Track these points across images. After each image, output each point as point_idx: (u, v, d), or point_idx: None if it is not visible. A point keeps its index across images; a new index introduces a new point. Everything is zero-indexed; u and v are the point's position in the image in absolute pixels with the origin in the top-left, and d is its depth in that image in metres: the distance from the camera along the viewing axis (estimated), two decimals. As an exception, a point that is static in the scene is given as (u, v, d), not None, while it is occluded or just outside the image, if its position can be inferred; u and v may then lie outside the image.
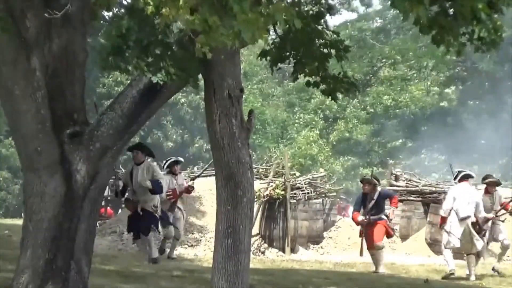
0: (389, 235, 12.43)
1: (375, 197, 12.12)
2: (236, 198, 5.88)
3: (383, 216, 12.17)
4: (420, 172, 23.73)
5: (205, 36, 4.22)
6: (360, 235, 12.29)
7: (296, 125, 40.43)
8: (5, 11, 5.17)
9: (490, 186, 12.12)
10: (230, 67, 5.84)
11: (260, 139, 39.18)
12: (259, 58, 6.10)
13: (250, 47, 30.73)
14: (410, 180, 19.34)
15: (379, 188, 12.41)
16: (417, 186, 18.84)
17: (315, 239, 17.67)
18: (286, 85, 44.19)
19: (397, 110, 37.25)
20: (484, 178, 12.50)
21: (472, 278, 11.36)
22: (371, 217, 12.01)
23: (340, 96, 6.24)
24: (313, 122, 38.92)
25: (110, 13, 6.17)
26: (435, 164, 36.37)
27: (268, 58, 6.02)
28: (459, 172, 12.08)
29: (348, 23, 38.23)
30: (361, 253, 12.36)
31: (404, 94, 37.07)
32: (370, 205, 12.12)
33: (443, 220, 11.63)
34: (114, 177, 12.53)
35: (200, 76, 5.87)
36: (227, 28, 4.15)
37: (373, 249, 12.03)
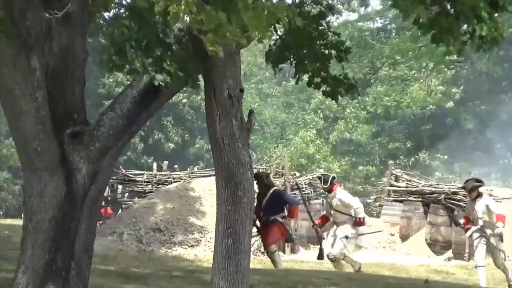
0: (286, 240, 11.83)
1: (267, 197, 11.37)
2: (236, 198, 5.88)
3: (279, 219, 11.32)
4: (420, 172, 23.75)
5: (213, 34, 4.21)
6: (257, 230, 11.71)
7: (295, 125, 40.47)
8: (5, 12, 5.16)
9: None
10: (230, 68, 5.83)
11: (259, 139, 39.21)
12: (262, 60, 6.10)
13: (249, 47, 30.73)
14: (410, 181, 19.39)
15: (273, 189, 11.55)
16: (417, 187, 18.87)
17: (315, 239, 17.67)
18: (285, 85, 44.22)
19: (398, 111, 37.26)
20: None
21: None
22: (263, 217, 11.31)
23: (340, 97, 6.22)
24: (313, 122, 38.94)
25: (111, 13, 6.15)
26: (436, 164, 36.38)
27: (270, 59, 6.01)
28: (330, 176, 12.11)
29: (348, 23, 38.22)
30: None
31: (405, 95, 37.10)
32: (262, 204, 11.37)
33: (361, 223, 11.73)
34: (114, 177, 12.44)
35: (200, 76, 5.87)
36: (233, 25, 4.14)
37: (268, 250, 11.48)
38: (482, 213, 11.33)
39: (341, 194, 11.75)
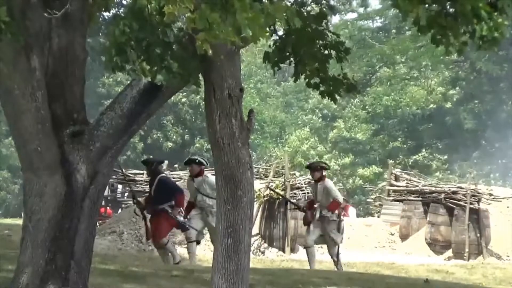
0: (179, 229, 11.52)
1: (154, 185, 11.03)
2: (236, 198, 5.88)
3: (167, 208, 10.88)
4: (420, 172, 23.76)
5: (205, 34, 4.21)
6: (143, 219, 11.36)
7: (294, 125, 40.53)
8: (6, 13, 5.16)
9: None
10: (230, 67, 5.82)
11: (258, 139, 39.25)
12: (261, 59, 6.08)
13: (249, 47, 30.74)
14: (410, 180, 19.39)
15: (159, 176, 11.12)
16: (417, 186, 18.87)
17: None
18: (285, 85, 44.26)
19: (398, 110, 37.28)
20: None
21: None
22: (150, 207, 10.98)
23: (338, 97, 6.19)
24: (311, 122, 38.99)
25: (111, 13, 6.15)
26: (435, 164, 36.39)
27: (269, 59, 6.00)
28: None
29: (348, 23, 38.23)
30: (147, 237, 11.67)
31: (404, 95, 37.12)
32: (152, 192, 11.07)
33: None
34: (114, 177, 12.42)
35: (200, 76, 5.86)
36: (227, 25, 4.14)
37: (159, 244, 11.14)
38: (320, 196, 11.48)
39: (209, 177, 11.17)
